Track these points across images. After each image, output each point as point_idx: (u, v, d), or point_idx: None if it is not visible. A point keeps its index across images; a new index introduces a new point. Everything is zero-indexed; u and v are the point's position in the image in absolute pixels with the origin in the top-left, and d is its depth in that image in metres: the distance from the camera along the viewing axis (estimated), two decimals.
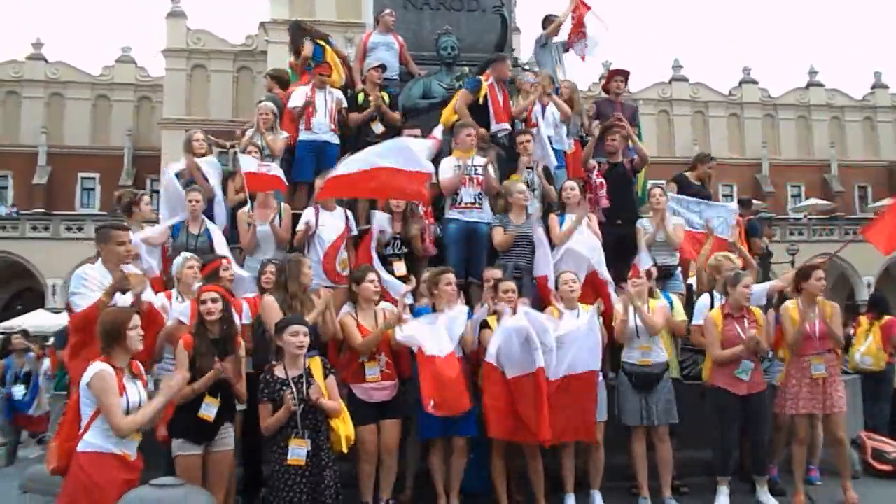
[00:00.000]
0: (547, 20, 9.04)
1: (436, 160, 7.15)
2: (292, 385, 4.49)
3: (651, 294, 6.00)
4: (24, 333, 11.03)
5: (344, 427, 4.65)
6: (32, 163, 36.99)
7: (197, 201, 6.63)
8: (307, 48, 8.47)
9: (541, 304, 6.15)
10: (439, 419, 5.21)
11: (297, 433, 4.44)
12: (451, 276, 5.68)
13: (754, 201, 11.50)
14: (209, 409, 4.59)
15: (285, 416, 4.42)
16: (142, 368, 4.27)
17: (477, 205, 6.86)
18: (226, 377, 4.59)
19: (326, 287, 6.21)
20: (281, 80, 9.03)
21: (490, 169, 6.96)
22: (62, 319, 14.57)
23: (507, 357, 5.25)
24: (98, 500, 3.86)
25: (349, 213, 6.75)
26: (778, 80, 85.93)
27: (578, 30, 9.04)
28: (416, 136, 7.08)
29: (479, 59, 8.24)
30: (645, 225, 7.09)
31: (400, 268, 6.53)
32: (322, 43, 8.62)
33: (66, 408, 4.36)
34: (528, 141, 7.18)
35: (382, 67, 7.99)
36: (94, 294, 4.82)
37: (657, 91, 42.19)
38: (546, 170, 7.36)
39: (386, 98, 7.87)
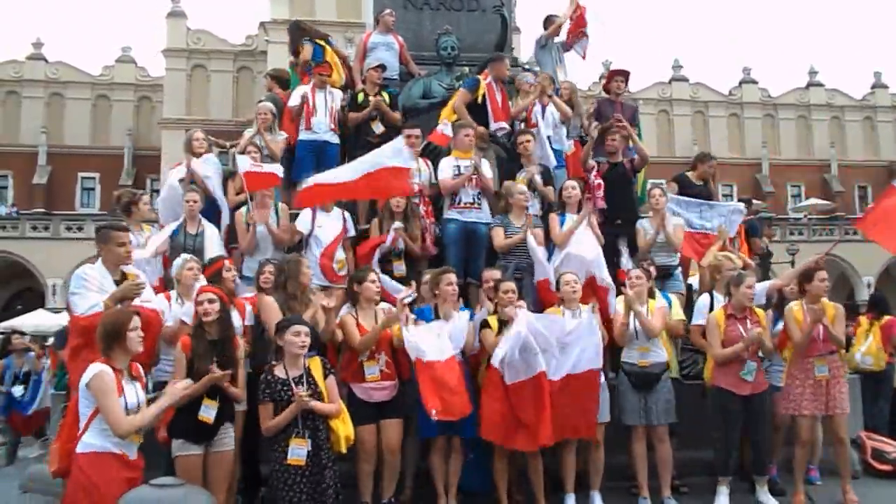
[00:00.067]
0: (548, 21, 9.04)
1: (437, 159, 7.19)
2: (293, 385, 4.49)
3: (650, 294, 6.00)
4: (20, 333, 11.05)
5: (343, 427, 4.65)
6: (32, 162, 36.99)
7: (194, 202, 6.63)
8: (306, 50, 8.47)
9: (541, 305, 6.15)
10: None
11: (297, 433, 4.44)
12: (453, 277, 5.67)
13: (754, 201, 11.47)
14: (208, 411, 4.59)
15: (295, 412, 4.40)
16: (141, 370, 4.27)
17: (476, 205, 6.86)
18: (218, 384, 4.58)
19: (324, 287, 6.23)
20: (281, 80, 9.03)
21: (486, 168, 6.96)
22: (62, 319, 14.58)
23: (508, 364, 5.23)
24: (98, 501, 3.85)
25: (347, 215, 6.76)
26: (778, 80, 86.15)
27: (578, 29, 9.05)
28: (416, 137, 7.09)
29: (479, 59, 8.25)
30: (644, 225, 7.09)
31: (399, 267, 6.55)
32: (322, 43, 8.62)
33: (67, 410, 4.38)
34: (528, 141, 7.18)
35: (382, 67, 7.99)
36: (93, 294, 4.82)
37: (657, 91, 42.18)
38: (546, 170, 7.35)
39: (386, 98, 7.87)
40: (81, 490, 3.90)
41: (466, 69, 8.39)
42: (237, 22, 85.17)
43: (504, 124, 7.62)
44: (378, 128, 7.69)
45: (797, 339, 5.80)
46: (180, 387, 4.24)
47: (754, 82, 44.11)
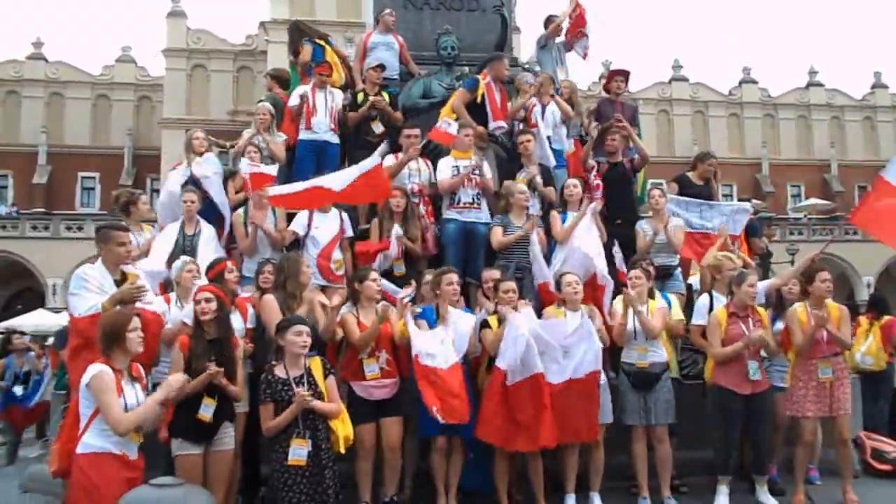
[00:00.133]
0: (548, 21, 9.04)
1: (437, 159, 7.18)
2: (293, 385, 4.49)
3: (650, 294, 6.00)
4: (20, 333, 11.06)
5: (343, 427, 4.64)
6: (32, 162, 36.98)
7: (192, 202, 6.62)
8: (305, 51, 8.46)
9: (541, 306, 6.15)
10: None
11: (298, 433, 4.44)
12: (454, 276, 5.67)
13: (754, 201, 11.49)
14: (207, 410, 4.59)
15: (295, 412, 4.41)
16: (142, 371, 4.27)
17: (475, 205, 6.86)
18: (216, 382, 4.58)
19: (322, 286, 6.23)
20: (281, 80, 9.02)
21: (486, 168, 6.95)
22: (62, 319, 14.59)
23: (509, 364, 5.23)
24: (98, 501, 3.86)
25: (344, 216, 6.76)
26: (778, 80, 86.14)
27: (577, 29, 9.05)
28: (415, 136, 7.09)
29: (479, 59, 8.24)
30: (644, 227, 7.08)
31: (399, 267, 6.54)
32: (322, 43, 8.61)
33: (67, 411, 4.38)
34: (528, 141, 7.17)
35: (382, 67, 7.98)
36: (92, 295, 4.82)
37: (657, 91, 42.17)
38: (546, 170, 7.35)
39: (386, 98, 7.87)
40: (82, 490, 3.90)
41: (466, 69, 8.38)
42: (237, 22, 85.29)
43: (502, 123, 7.62)
44: (378, 128, 7.68)
45: (798, 343, 5.78)
46: (173, 380, 4.23)
47: (754, 82, 44.10)
